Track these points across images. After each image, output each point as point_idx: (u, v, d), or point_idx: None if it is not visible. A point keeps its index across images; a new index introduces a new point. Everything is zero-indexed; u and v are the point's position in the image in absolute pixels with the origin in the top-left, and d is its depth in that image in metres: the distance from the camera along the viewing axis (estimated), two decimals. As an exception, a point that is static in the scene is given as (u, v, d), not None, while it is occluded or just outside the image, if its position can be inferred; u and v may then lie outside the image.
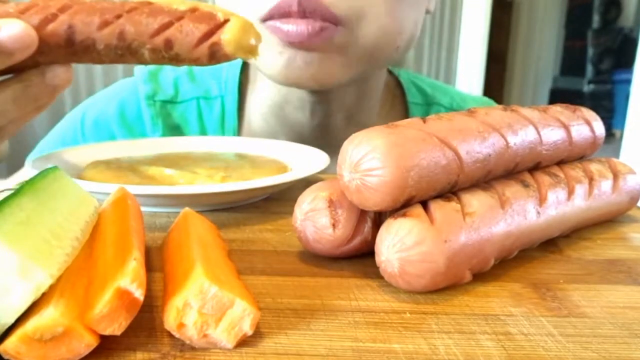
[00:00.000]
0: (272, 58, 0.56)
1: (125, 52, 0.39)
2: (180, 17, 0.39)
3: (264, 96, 0.68)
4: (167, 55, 0.39)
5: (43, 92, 0.40)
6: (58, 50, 0.39)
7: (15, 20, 0.37)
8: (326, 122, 0.66)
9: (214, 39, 0.40)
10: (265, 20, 0.53)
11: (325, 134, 0.66)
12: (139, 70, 0.72)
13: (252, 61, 0.59)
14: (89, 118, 0.71)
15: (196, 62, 0.40)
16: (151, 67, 0.73)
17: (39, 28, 0.38)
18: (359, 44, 0.55)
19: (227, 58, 0.41)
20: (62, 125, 0.74)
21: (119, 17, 0.38)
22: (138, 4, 0.40)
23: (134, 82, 0.73)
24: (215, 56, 0.40)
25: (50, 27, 0.38)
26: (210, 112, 0.71)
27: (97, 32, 0.38)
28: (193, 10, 0.40)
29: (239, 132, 0.71)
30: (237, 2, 0.56)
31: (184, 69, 0.73)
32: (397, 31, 0.56)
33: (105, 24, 0.38)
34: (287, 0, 0.51)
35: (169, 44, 0.38)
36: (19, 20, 0.37)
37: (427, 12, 0.63)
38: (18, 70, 0.39)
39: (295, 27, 0.52)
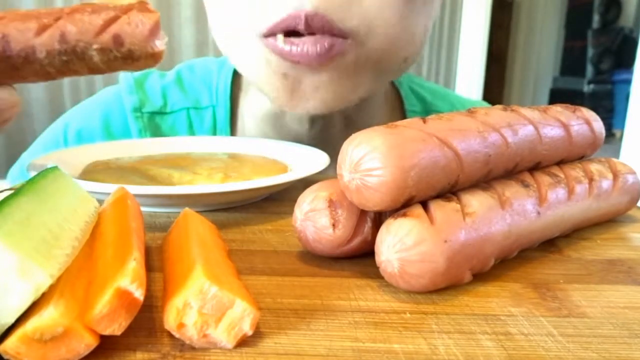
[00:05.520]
0: (275, 81, 0.50)
1: (72, 57, 0.35)
2: (127, 10, 0.36)
3: (258, 105, 0.64)
4: (120, 53, 0.36)
5: None
6: None
7: None
8: (325, 132, 0.62)
9: None
10: (266, 36, 0.49)
11: (324, 143, 0.61)
12: (124, 78, 0.68)
13: (249, 79, 0.55)
14: (72, 130, 0.67)
15: (154, 57, 0.36)
16: (137, 74, 0.68)
17: None
18: (369, 57, 0.50)
19: None
20: (44, 138, 0.70)
21: (57, 19, 0.35)
22: (79, 5, 0.36)
23: (118, 91, 0.68)
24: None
25: None
26: (202, 123, 0.67)
27: (35, 38, 0.35)
28: (141, 2, 0.37)
29: None
30: (233, 15, 0.52)
31: (172, 77, 0.69)
32: (406, 41, 0.52)
33: (43, 28, 0.35)
34: (294, 18, 0.46)
35: (118, 39, 0.35)
36: None
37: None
38: None
39: (301, 47, 0.47)
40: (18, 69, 0.35)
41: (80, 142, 0.66)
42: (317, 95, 0.50)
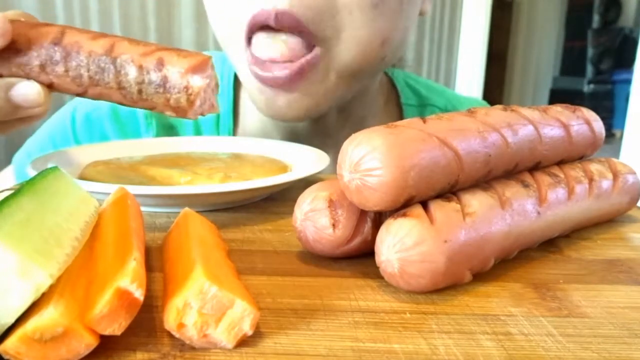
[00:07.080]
0: (254, 93, 0.56)
1: (109, 63, 0.39)
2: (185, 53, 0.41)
3: None
4: (156, 76, 0.40)
5: (3, 107, 0.38)
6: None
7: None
8: (320, 122, 0.65)
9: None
10: (248, 37, 0.52)
11: (320, 133, 0.65)
12: None
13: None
14: (79, 114, 0.69)
15: (187, 91, 0.40)
16: None
17: (32, 26, 0.39)
18: (338, 62, 0.53)
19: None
20: (51, 123, 0.72)
21: (115, 36, 0.40)
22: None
23: None
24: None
25: (44, 29, 0.39)
26: None
27: (88, 40, 0.39)
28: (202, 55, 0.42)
29: (234, 131, 0.70)
30: (220, 17, 0.55)
31: None
32: (379, 42, 0.53)
33: (102, 36, 0.40)
34: (264, 13, 0.50)
35: (160, 61, 0.39)
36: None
37: (421, 14, 0.61)
38: None
39: (272, 74, 0.51)
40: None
41: (88, 126, 0.68)
42: (291, 109, 0.54)
